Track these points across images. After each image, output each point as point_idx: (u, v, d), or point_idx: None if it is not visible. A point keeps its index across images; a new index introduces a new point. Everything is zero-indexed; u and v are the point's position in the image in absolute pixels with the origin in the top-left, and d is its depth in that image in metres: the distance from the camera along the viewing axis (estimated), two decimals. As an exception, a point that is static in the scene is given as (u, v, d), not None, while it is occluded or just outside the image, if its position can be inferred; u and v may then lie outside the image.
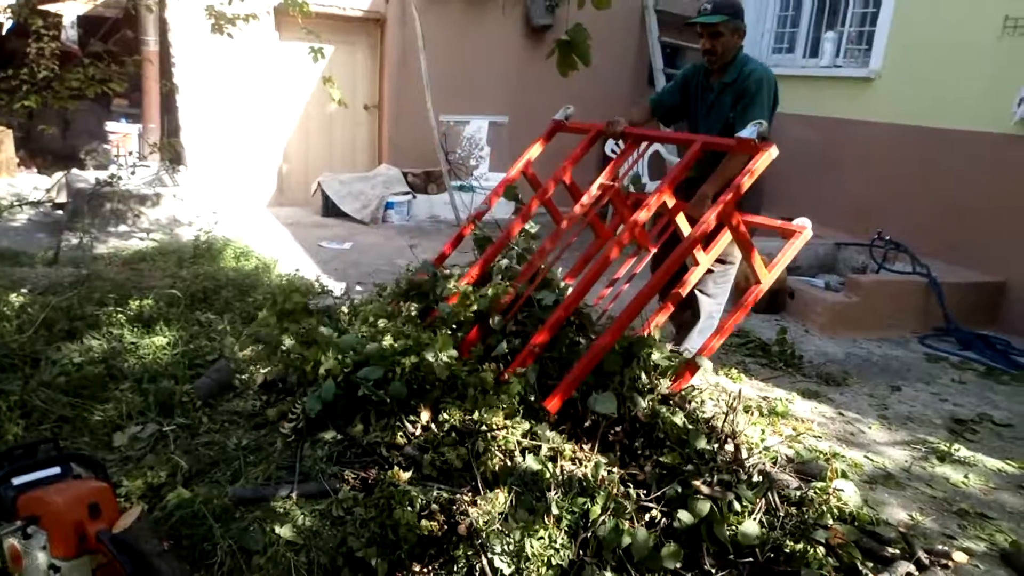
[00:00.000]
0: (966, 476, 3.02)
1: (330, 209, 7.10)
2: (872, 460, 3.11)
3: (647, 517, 2.25)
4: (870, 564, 2.23)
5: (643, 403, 2.56)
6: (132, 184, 6.36)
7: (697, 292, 3.64)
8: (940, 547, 2.43)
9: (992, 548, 2.54)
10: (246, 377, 2.95)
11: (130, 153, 6.71)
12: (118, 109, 7.59)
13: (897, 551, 2.35)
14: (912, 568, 2.25)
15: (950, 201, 5.51)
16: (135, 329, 3.36)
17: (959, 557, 2.37)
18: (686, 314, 3.79)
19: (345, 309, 3.31)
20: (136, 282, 4.10)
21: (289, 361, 2.83)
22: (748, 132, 2.79)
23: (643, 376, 2.70)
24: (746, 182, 2.69)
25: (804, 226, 3.16)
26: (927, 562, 2.29)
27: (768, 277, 3.07)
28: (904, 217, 5.72)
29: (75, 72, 4.70)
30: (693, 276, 3.41)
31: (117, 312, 3.47)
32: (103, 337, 3.24)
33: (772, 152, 2.73)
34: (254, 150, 7.27)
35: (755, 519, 2.26)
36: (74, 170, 6.52)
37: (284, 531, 2.06)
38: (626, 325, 2.61)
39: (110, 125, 7.15)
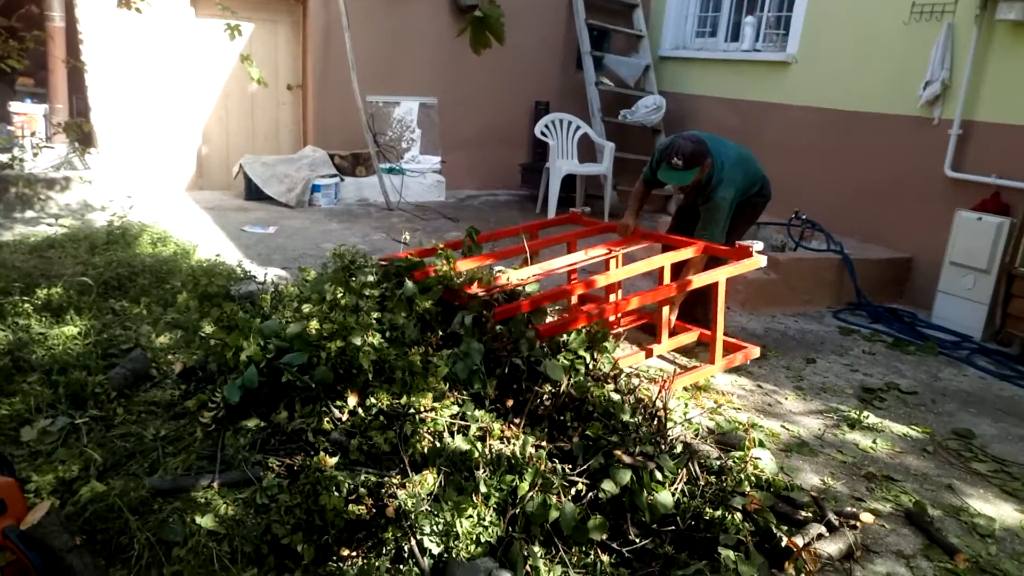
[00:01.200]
0: (874, 442, 3.19)
1: (253, 192, 6.89)
2: (788, 429, 3.25)
3: (573, 491, 2.30)
4: (784, 527, 2.34)
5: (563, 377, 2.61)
6: (39, 168, 6.02)
7: None
8: (849, 509, 2.56)
9: (897, 508, 2.70)
10: (164, 366, 2.85)
11: (33, 134, 6.33)
12: (23, 89, 7.14)
13: (809, 514, 2.48)
14: (823, 530, 2.37)
15: (862, 181, 5.76)
16: (43, 319, 3.20)
17: (866, 518, 2.51)
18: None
19: (268, 295, 3.23)
20: (44, 270, 3.90)
21: (209, 348, 2.76)
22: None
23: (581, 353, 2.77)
24: None
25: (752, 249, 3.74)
26: (837, 523, 2.41)
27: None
28: (820, 197, 5.95)
29: (-31, 48, 4.40)
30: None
31: (24, 301, 3.29)
32: (8, 328, 3.07)
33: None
34: (171, 131, 6.97)
35: (676, 488, 2.34)
36: (-27, 153, 6.11)
37: (205, 521, 2.01)
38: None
39: (14, 106, 6.72)
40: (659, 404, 2.70)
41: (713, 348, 3.74)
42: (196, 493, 2.14)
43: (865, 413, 3.44)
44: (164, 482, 2.18)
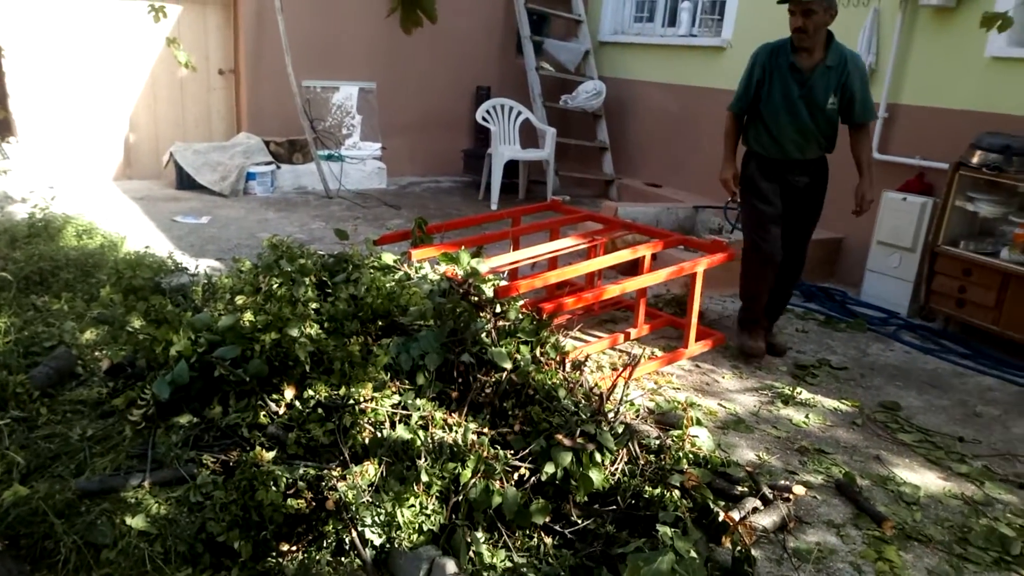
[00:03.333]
0: (807, 416, 3.30)
1: (185, 181, 6.67)
2: (725, 407, 3.33)
3: (516, 476, 2.31)
4: (721, 503, 2.40)
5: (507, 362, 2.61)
6: (-50, 157, 5.70)
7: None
8: (783, 482, 2.65)
9: (828, 480, 2.80)
10: (90, 363, 2.74)
11: (-55, 122, 5.99)
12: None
13: (745, 489, 2.55)
14: (758, 503, 2.44)
15: (794, 164, 5.90)
16: (-43, 317, 3.04)
17: (798, 490, 2.60)
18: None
19: (200, 287, 3.14)
20: (-42, 266, 3.69)
21: (137, 343, 2.66)
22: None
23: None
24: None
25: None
26: (771, 497, 2.49)
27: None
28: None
29: None
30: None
31: (-66, 299, 3.12)
32: (-83, 328, 2.91)
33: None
34: (96, 118, 6.68)
35: (616, 468, 2.37)
36: None
37: (136, 522, 1.95)
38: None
39: (-78, 92, 6.34)
40: (600, 386, 2.73)
41: (687, 334, 3.81)
42: (126, 493, 2.07)
43: (798, 389, 3.55)
44: (91, 483, 2.10)
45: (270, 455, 2.19)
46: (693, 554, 1.97)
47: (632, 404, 3.02)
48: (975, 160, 4.29)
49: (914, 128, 5.11)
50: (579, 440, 2.34)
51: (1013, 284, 4.08)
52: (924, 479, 2.87)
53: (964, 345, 4.33)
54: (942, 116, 4.91)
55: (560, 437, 2.30)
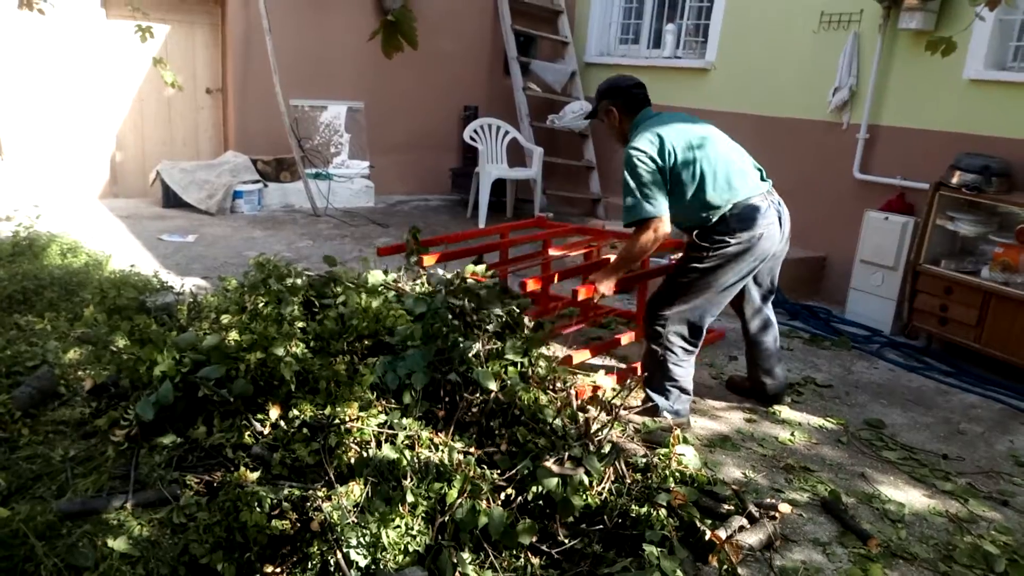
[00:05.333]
0: (792, 434, 3.31)
1: (172, 200, 6.65)
2: (711, 424, 3.34)
3: (503, 496, 2.30)
4: (708, 521, 2.40)
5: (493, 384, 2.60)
6: (-67, 175, 5.66)
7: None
8: (769, 500, 2.66)
9: (814, 498, 2.81)
10: (73, 383, 2.71)
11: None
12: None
13: (732, 507, 2.55)
14: (744, 521, 2.45)
15: (778, 184, 5.90)
16: (-62, 337, 3.00)
17: (784, 508, 2.61)
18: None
19: (186, 306, 3.12)
20: (-60, 285, 3.66)
21: (121, 363, 2.64)
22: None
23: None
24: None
25: None
26: (757, 515, 2.50)
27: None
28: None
29: None
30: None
31: (-85, 319, 3.09)
32: None
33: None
34: (82, 137, 6.67)
35: (603, 488, 2.37)
36: None
37: (117, 544, 1.92)
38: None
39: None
40: (589, 409, 2.74)
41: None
42: (108, 515, 2.04)
43: (781, 408, 3.57)
44: (73, 504, 2.08)
45: (255, 476, 2.17)
46: (679, 573, 1.97)
47: (617, 422, 3.03)
48: (955, 180, 4.36)
49: (895, 149, 5.19)
50: (567, 465, 2.34)
51: (994, 302, 4.14)
52: (909, 496, 2.88)
53: (947, 363, 4.38)
54: (922, 137, 5.00)
55: (548, 464, 2.29)
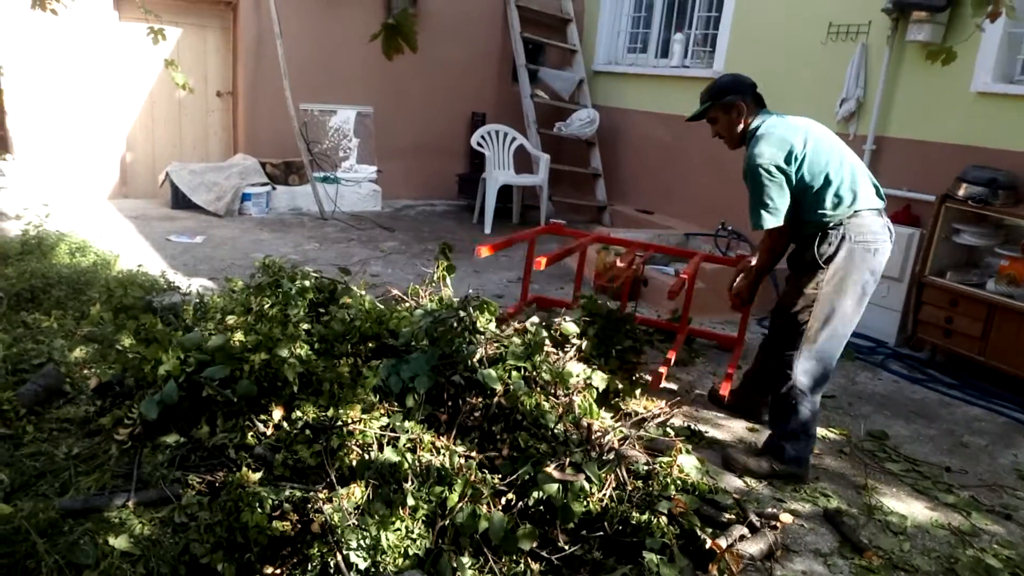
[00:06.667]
0: (795, 444, 3.30)
1: (180, 201, 6.69)
2: (714, 433, 3.33)
3: (503, 501, 2.31)
4: (708, 530, 2.40)
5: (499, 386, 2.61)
6: (-55, 174, 5.71)
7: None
8: (770, 510, 2.65)
9: (816, 508, 2.80)
10: (78, 381, 2.73)
11: (-59, 139, 6.01)
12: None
13: (733, 516, 2.55)
14: (745, 531, 2.44)
15: (785, 194, 5.98)
16: (-54, 334, 3.03)
17: (785, 518, 2.60)
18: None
19: (192, 306, 3.14)
20: (-51, 282, 3.69)
21: (126, 361, 2.66)
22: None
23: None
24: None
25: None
26: (758, 524, 2.49)
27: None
28: (745, 209, 6.13)
29: None
30: None
31: (-77, 315, 3.11)
32: (-94, 343, 2.90)
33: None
34: (93, 138, 6.71)
35: (604, 495, 2.37)
36: None
37: (119, 542, 1.93)
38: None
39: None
40: (586, 411, 2.74)
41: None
42: (110, 513, 2.06)
43: (787, 417, 3.55)
44: (75, 502, 2.09)
45: (256, 476, 2.18)
46: (679, 581, 1.96)
47: (618, 429, 3.02)
48: (961, 193, 4.35)
49: (901, 160, 5.18)
50: (568, 471, 2.34)
51: (999, 315, 4.12)
52: (911, 509, 2.87)
53: (951, 375, 4.36)
54: (929, 149, 4.99)
55: (549, 470, 2.29)
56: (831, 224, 2.92)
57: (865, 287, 2.94)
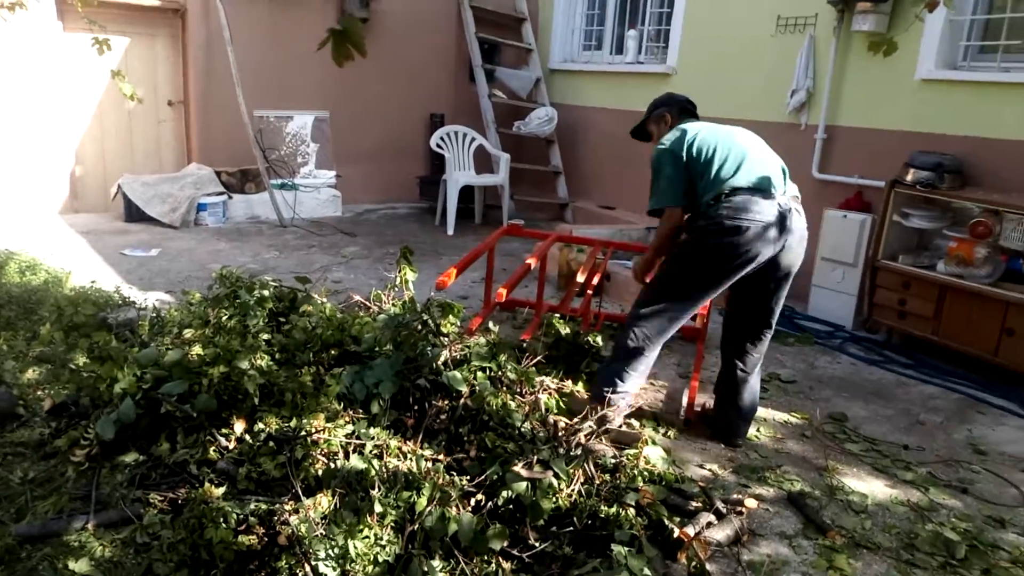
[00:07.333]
0: (758, 430, 3.36)
1: (134, 214, 6.55)
2: (679, 422, 3.37)
3: (472, 502, 2.31)
4: (676, 519, 2.43)
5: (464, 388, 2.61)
6: None
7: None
8: (735, 496, 2.69)
9: (780, 492, 2.85)
10: (31, 403, 2.66)
11: None
12: None
13: (699, 504, 2.58)
14: (712, 518, 2.48)
15: (741, 184, 6.07)
16: None
17: (750, 503, 2.64)
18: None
19: (148, 321, 3.09)
20: None
21: (80, 381, 2.60)
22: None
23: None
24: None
25: None
26: (724, 511, 2.53)
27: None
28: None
29: None
30: None
31: None
32: None
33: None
34: (40, 152, 6.54)
35: (572, 490, 2.39)
36: None
37: (79, 566, 1.90)
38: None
39: None
40: (553, 409, 2.76)
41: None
42: (69, 537, 2.01)
43: (750, 404, 3.61)
44: (32, 528, 2.04)
45: (220, 491, 2.15)
46: (647, 572, 1.99)
47: (585, 424, 3.04)
48: (909, 178, 4.47)
49: (851, 148, 5.30)
50: (536, 468, 2.35)
51: (950, 296, 4.24)
52: (871, 487, 2.94)
53: (906, 355, 4.48)
54: (877, 136, 5.11)
55: (517, 468, 2.30)
56: (707, 201, 2.96)
57: (732, 267, 2.93)
